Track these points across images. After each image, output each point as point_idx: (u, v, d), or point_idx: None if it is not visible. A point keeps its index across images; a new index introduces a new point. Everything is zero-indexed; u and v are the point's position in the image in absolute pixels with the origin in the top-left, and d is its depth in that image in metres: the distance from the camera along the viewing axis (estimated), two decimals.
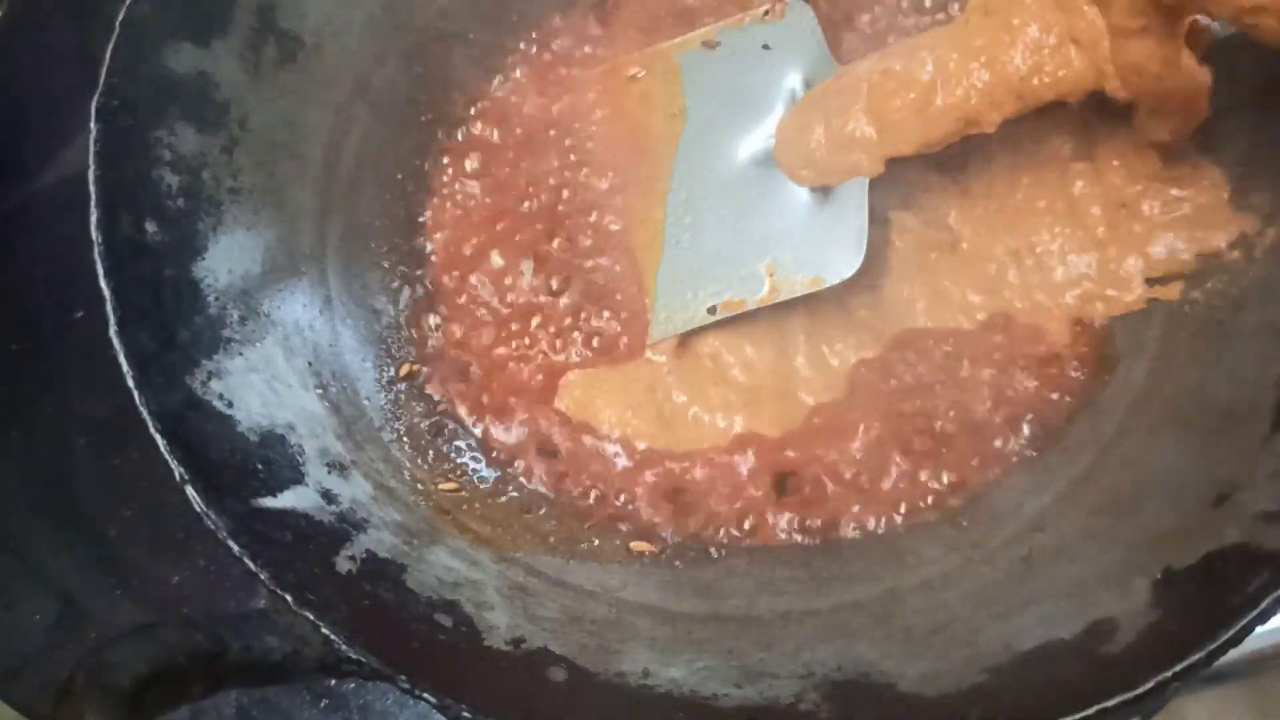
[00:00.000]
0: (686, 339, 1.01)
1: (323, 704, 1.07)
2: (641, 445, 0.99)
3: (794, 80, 1.01)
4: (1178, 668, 0.68)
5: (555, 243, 1.05)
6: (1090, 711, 0.68)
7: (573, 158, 1.07)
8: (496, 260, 1.05)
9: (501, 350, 1.03)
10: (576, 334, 1.02)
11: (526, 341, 1.03)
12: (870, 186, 0.95)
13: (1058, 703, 0.69)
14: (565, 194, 1.06)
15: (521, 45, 1.11)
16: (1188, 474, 0.83)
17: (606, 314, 1.03)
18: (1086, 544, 0.84)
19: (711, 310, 0.99)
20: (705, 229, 1.01)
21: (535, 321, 1.03)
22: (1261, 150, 0.90)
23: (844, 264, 0.95)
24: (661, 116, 1.06)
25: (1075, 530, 0.86)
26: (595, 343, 1.02)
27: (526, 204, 1.06)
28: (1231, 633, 0.69)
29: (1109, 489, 0.87)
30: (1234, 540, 0.75)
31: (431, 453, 0.98)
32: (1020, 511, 0.91)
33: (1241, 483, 0.78)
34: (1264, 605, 0.69)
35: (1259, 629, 0.70)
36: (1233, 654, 0.70)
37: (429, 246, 1.06)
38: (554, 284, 1.04)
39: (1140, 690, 0.68)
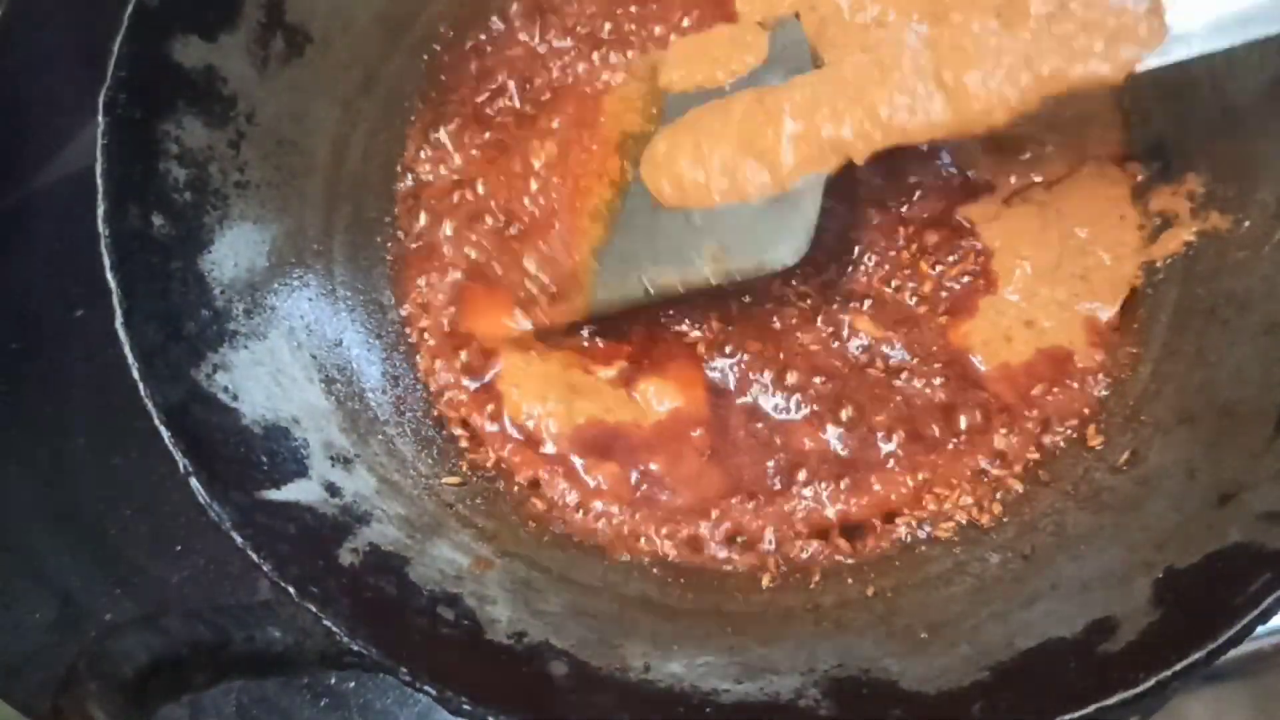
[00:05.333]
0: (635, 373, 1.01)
1: (323, 703, 1.07)
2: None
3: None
4: (1178, 667, 0.69)
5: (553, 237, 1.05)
6: (1090, 710, 0.68)
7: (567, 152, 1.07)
8: (498, 251, 1.05)
9: (502, 347, 1.02)
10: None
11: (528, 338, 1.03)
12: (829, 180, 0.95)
13: (1058, 701, 0.70)
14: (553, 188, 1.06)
15: (523, 38, 1.11)
16: (1191, 474, 0.83)
17: None
18: (1088, 543, 0.84)
19: (648, 291, 0.98)
20: (659, 216, 1.00)
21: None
22: (1269, 148, 0.91)
23: (788, 251, 0.94)
24: (639, 118, 1.06)
25: (1077, 529, 0.87)
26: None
27: (526, 199, 1.06)
28: (1233, 632, 0.69)
29: (1111, 487, 0.88)
30: (1236, 540, 0.75)
31: (435, 447, 0.98)
32: (1022, 509, 0.91)
33: (1245, 483, 0.78)
34: (1265, 605, 0.69)
35: (1259, 628, 0.70)
36: (1233, 653, 0.70)
37: (432, 241, 1.06)
38: (549, 281, 1.04)
39: (1141, 689, 0.69)
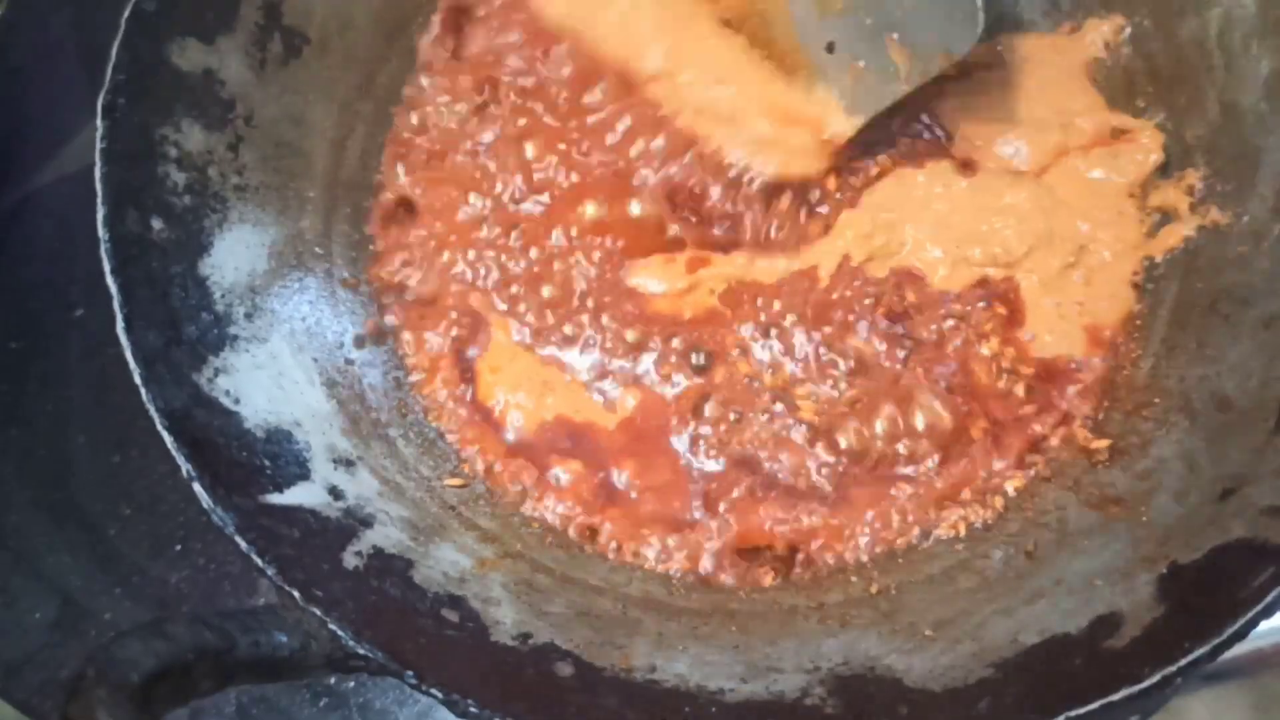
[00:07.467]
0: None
1: (322, 703, 1.07)
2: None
3: None
4: (1182, 662, 0.69)
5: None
6: (1095, 705, 0.68)
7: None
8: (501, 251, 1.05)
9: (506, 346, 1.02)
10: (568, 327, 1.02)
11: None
12: None
13: (1063, 697, 0.70)
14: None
15: None
16: (1192, 468, 0.83)
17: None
18: (1091, 538, 0.84)
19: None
20: (829, 26, 0.99)
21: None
22: (1268, 142, 0.91)
23: (964, 32, 0.92)
24: None
25: (1079, 524, 0.87)
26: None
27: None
28: (1236, 627, 0.69)
29: (1113, 483, 0.88)
30: (1239, 535, 0.75)
31: (437, 449, 0.98)
32: (1024, 506, 0.91)
33: (1247, 477, 0.78)
34: (1269, 600, 0.69)
35: (1260, 627, 0.70)
36: (1233, 652, 0.70)
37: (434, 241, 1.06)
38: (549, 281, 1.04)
39: (1146, 684, 0.69)
